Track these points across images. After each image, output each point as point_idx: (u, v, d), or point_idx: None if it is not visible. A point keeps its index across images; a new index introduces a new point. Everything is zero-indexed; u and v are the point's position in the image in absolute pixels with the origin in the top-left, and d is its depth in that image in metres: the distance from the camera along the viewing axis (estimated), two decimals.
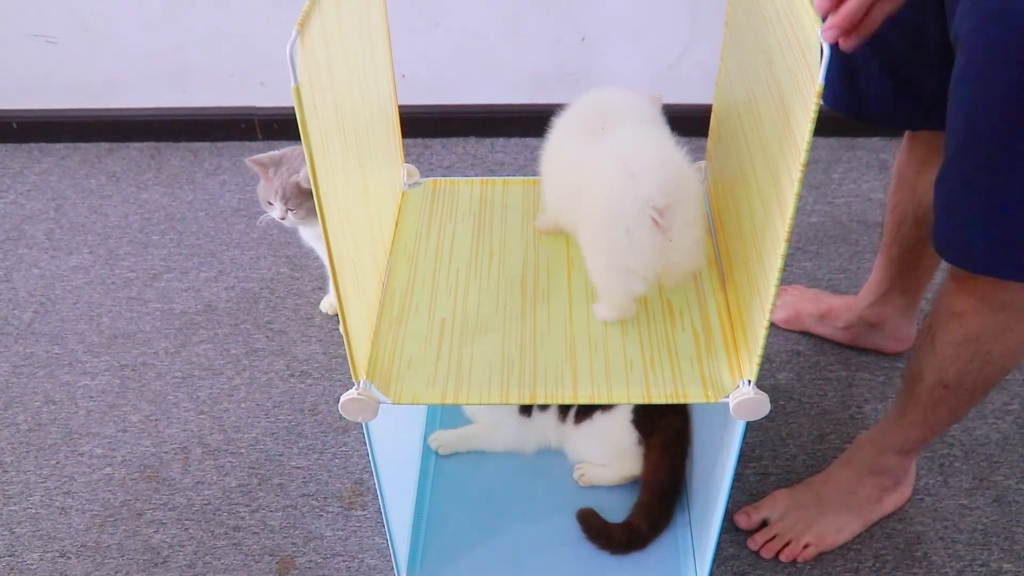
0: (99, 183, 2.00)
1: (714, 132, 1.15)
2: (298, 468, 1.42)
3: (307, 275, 1.75)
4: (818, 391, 1.51)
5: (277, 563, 1.30)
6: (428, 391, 0.93)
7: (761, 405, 0.90)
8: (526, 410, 1.35)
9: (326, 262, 0.85)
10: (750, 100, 0.92)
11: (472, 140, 2.09)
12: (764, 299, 0.84)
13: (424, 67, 1.98)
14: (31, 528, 1.35)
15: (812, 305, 1.58)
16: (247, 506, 1.37)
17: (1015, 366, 1.16)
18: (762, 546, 1.29)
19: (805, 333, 1.60)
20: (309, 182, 1.10)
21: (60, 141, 2.12)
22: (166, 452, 1.45)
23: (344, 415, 0.92)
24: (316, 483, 1.39)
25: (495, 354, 0.97)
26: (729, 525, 1.32)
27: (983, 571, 1.27)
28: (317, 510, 1.36)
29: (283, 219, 1.42)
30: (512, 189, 1.22)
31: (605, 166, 0.93)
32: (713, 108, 1.15)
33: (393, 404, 0.93)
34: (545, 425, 1.35)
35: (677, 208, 0.91)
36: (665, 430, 1.28)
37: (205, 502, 1.38)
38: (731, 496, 1.01)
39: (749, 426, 0.93)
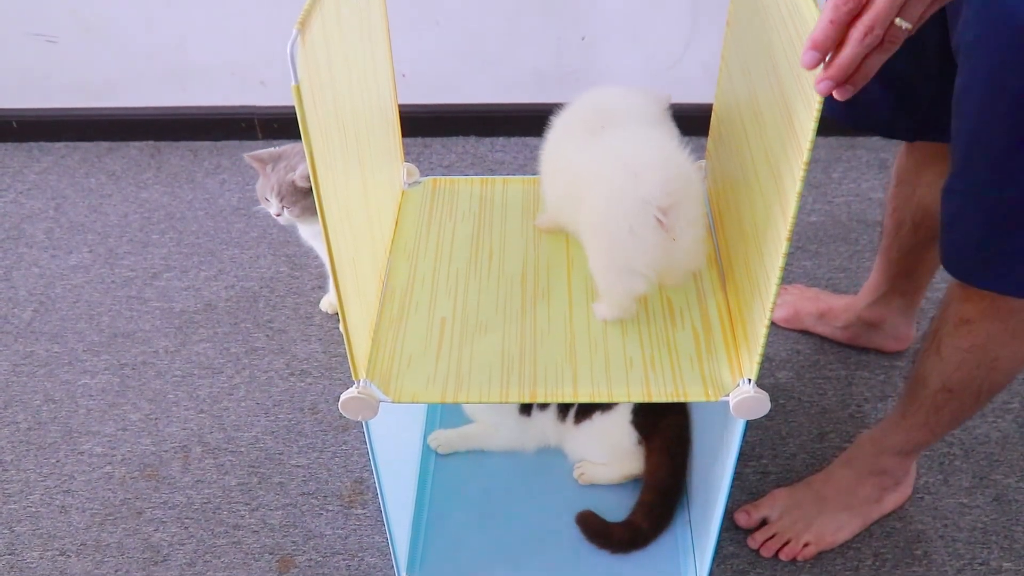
0: (99, 182, 2.00)
1: (715, 131, 1.15)
2: (298, 467, 1.42)
3: (307, 274, 1.75)
4: (818, 390, 1.51)
5: (277, 561, 1.30)
6: (428, 390, 0.93)
7: (761, 404, 0.90)
8: (526, 409, 1.35)
9: (326, 261, 0.85)
10: (752, 99, 0.92)
11: (472, 139, 2.09)
12: (765, 298, 0.84)
13: (424, 66, 1.98)
14: (31, 526, 1.35)
15: (812, 304, 1.58)
16: (247, 504, 1.37)
17: (1020, 373, 1.16)
18: (762, 545, 1.29)
19: (804, 332, 1.60)
20: (305, 180, 1.10)
21: (60, 140, 2.12)
22: (166, 451, 1.45)
23: (344, 414, 0.92)
24: (316, 481, 1.39)
25: (495, 353, 0.97)
26: (729, 524, 1.32)
27: (983, 569, 1.27)
28: (317, 508, 1.36)
29: (279, 216, 1.42)
30: (512, 188, 1.22)
31: (607, 166, 0.93)
32: (714, 107, 1.15)
33: (393, 403, 0.93)
34: (545, 424, 1.35)
35: (680, 207, 0.91)
36: (666, 430, 1.28)
37: (205, 500, 1.38)
38: (731, 495, 1.01)
39: (749, 425, 0.93)
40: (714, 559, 1.12)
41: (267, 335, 1.63)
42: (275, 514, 1.36)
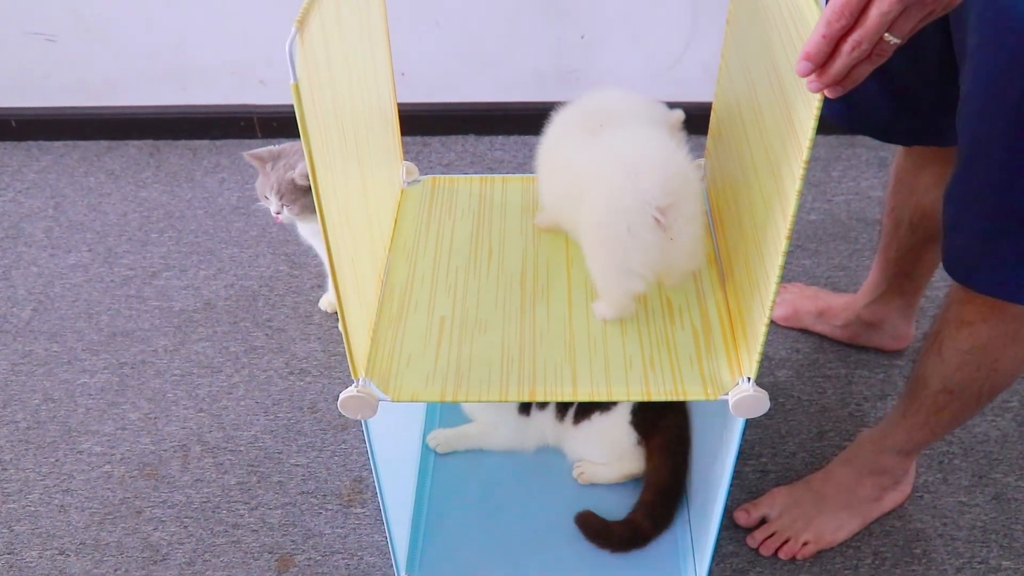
0: (98, 181, 2.00)
1: (714, 130, 1.15)
2: (297, 466, 1.42)
3: (306, 273, 1.75)
4: (817, 389, 1.51)
5: (276, 560, 1.30)
6: (427, 388, 0.93)
7: (760, 402, 0.90)
8: (525, 409, 1.35)
9: (325, 260, 0.85)
10: (752, 98, 0.92)
11: (471, 138, 2.09)
12: (764, 297, 0.84)
13: (423, 65, 1.98)
14: (30, 526, 1.35)
15: (811, 303, 1.58)
16: (246, 504, 1.37)
17: (1021, 375, 1.16)
18: (761, 543, 1.29)
19: (804, 331, 1.60)
20: (304, 179, 1.10)
21: (59, 139, 2.11)
22: (165, 450, 1.45)
23: (343, 412, 0.92)
24: (315, 481, 1.39)
25: (494, 352, 0.97)
26: (728, 522, 1.32)
27: (982, 568, 1.27)
28: (316, 508, 1.36)
29: (278, 214, 1.42)
30: (511, 187, 1.22)
31: (605, 165, 0.93)
32: (713, 106, 1.15)
33: (392, 401, 0.93)
34: (543, 424, 1.35)
35: (678, 207, 0.90)
36: (666, 430, 1.28)
37: (204, 500, 1.38)
38: (730, 493, 1.01)
39: (748, 423, 0.93)
40: (713, 558, 1.12)
41: (266, 334, 1.63)
42: (274, 513, 1.35)
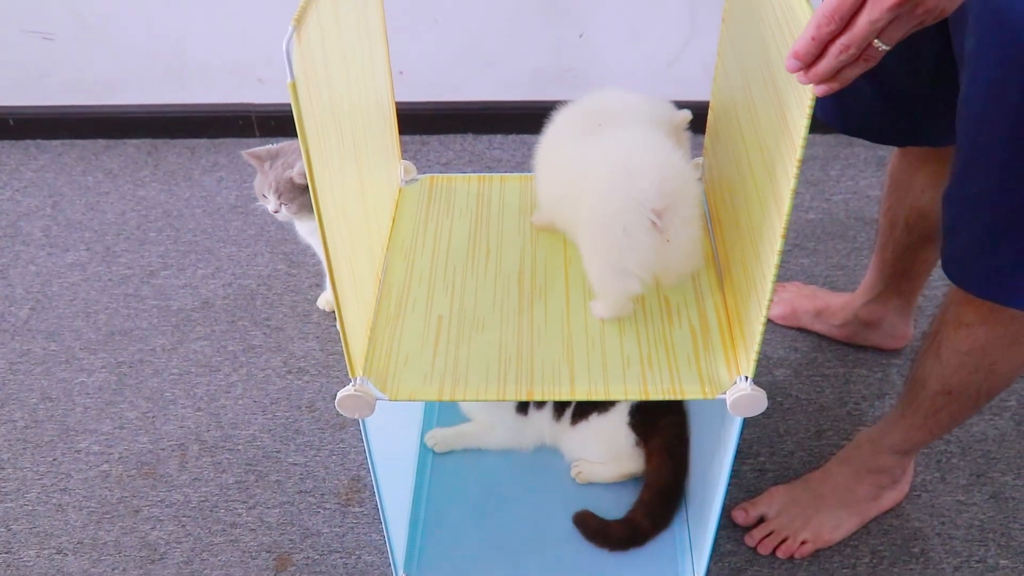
0: (96, 180, 2.00)
1: (711, 129, 1.15)
2: (295, 465, 1.42)
3: (304, 272, 1.75)
4: (815, 388, 1.51)
5: (274, 559, 1.30)
6: (425, 387, 0.93)
7: (758, 401, 0.90)
8: (523, 408, 1.35)
9: (323, 259, 0.85)
10: (747, 96, 0.92)
11: (469, 137, 2.09)
12: (761, 295, 0.84)
13: (422, 64, 1.98)
14: (28, 525, 1.35)
15: (809, 302, 1.58)
16: (244, 503, 1.37)
17: (1019, 376, 1.16)
18: (759, 542, 1.29)
19: (802, 330, 1.60)
20: (302, 177, 1.09)
21: (57, 138, 2.11)
22: (163, 449, 1.45)
23: (341, 411, 0.92)
24: (313, 480, 1.39)
25: (492, 351, 0.97)
26: (726, 521, 1.32)
27: (980, 567, 1.27)
28: (314, 507, 1.36)
29: (276, 212, 1.42)
30: (509, 186, 1.22)
31: (603, 166, 0.93)
32: (710, 105, 1.15)
33: (390, 400, 0.93)
34: (541, 424, 1.35)
35: (675, 209, 0.90)
36: (665, 430, 1.28)
37: (202, 499, 1.38)
38: (728, 492, 1.01)
39: (746, 422, 0.93)
40: (711, 556, 1.12)
41: (264, 333, 1.63)
42: (272, 512, 1.35)
